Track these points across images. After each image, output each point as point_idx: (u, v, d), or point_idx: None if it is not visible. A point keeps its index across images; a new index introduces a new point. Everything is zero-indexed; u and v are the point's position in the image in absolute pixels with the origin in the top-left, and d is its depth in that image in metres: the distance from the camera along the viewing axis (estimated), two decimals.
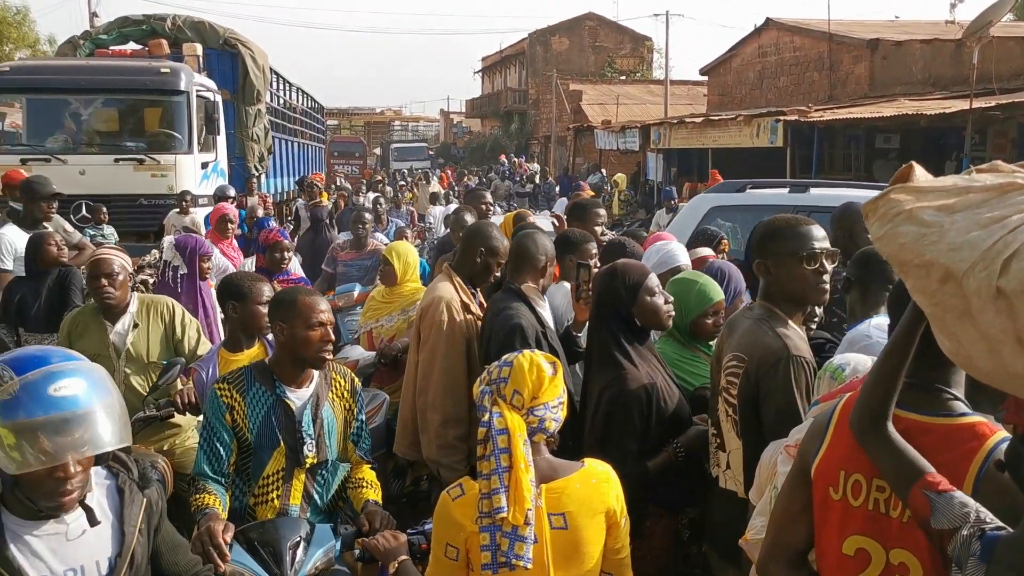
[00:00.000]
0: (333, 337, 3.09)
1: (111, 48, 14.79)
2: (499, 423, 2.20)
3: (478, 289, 4.16)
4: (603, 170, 28.41)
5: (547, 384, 2.26)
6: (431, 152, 51.76)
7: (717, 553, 2.85)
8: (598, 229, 5.22)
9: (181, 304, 4.88)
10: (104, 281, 4.13)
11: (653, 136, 22.02)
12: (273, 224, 6.62)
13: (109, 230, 10.64)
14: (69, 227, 7.20)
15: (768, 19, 25.72)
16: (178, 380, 4.09)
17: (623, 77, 47.63)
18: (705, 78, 31.27)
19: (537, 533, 2.21)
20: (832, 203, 5.74)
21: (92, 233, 10.16)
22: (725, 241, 5.36)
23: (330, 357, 3.10)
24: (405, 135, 67.10)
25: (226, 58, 15.25)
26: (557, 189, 25.94)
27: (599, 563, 2.32)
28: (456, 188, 25.82)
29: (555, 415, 2.28)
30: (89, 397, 2.01)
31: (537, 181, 29.03)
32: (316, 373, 3.19)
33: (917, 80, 20.40)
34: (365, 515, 3.00)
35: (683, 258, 4.47)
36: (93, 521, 2.09)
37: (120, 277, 4.18)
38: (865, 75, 21.60)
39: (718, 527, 2.80)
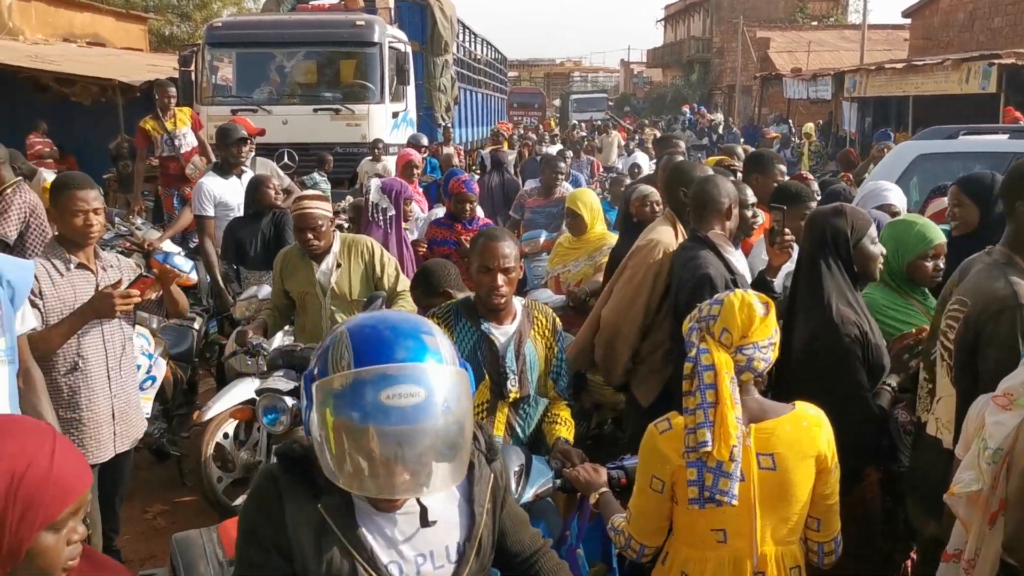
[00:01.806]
0: (499, 283, 3.10)
1: (311, 3, 15.45)
2: (705, 359, 2.20)
3: None
4: (791, 120, 27.23)
5: (757, 323, 2.23)
6: (611, 103, 51.26)
7: (917, 505, 2.73)
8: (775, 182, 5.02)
9: (390, 243, 5.18)
10: (309, 235, 4.39)
11: (848, 84, 20.85)
12: (464, 176, 6.78)
13: (323, 177, 11.22)
14: (281, 172, 7.66)
15: None
16: None
17: (815, 23, 45.20)
18: (907, 21, 29.16)
19: (744, 472, 2.20)
20: None
21: (316, 179, 10.78)
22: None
23: (502, 300, 3.14)
24: (584, 86, 66.71)
25: (416, 10, 15.63)
26: (742, 140, 25.09)
27: (806, 507, 2.29)
28: (638, 137, 25.47)
29: (764, 355, 2.25)
30: (428, 412, 1.64)
31: (720, 131, 28.20)
32: (519, 310, 3.28)
33: None
34: (558, 451, 3.07)
35: (895, 199, 4.26)
36: (425, 522, 1.81)
37: (323, 228, 4.42)
38: None
39: (921, 477, 2.67)
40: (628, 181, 9.01)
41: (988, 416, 2.29)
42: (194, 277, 6.78)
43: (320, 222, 4.41)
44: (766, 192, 4.78)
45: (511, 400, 3.19)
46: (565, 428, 3.25)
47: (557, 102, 54.94)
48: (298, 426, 4.00)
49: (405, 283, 4.57)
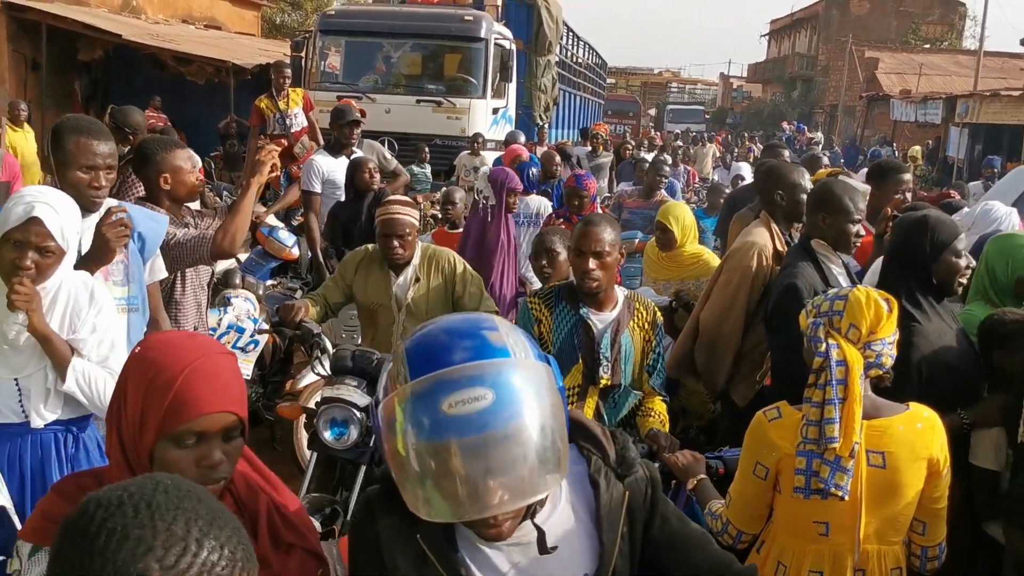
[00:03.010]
0: (591, 266, 3.16)
1: None
2: (837, 355, 2.18)
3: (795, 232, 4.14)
4: (894, 144, 26.50)
5: (884, 320, 2.21)
6: (707, 115, 50.68)
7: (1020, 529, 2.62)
8: (899, 197, 4.85)
9: (490, 233, 5.15)
10: (395, 242, 3.99)
11: (960, 109, 20.19)
12: (580, 171, 6.91)
13: (427, 169, 11.43)
14: (388, 154, 7.82)
15: None
16: None
17: (927, 45, 43.89)
18: None
19: (853, 468, 2.18)
20: None
21: (416, 172, 11.00)
22: None
23: (594, 284, 3.19)
24: (681, 97, 66.16)
25: (523, 8, 15.76)
26: (842, 161, 24.52)
27: (913, 508, 2.25)
28: (736, 151, 25.14)
29: (891, 351, 2.24)
30: (502, 415, 1.42)
31: (819, 152, 27.59)
32: (620, 300, 3.31)
33: None
34: (649, 437, 3.08)
35: (1008, 223, 4.11)
36: (544, 549, 1.56)
37: (409, 237, 4.03)
38: None
39: None
40: (728, 191, 8.97)
41: None
42: (296, 252, 7.00)
43: (408, 230, 4.02)
44: (881, 205, 4.63)
45: (602, 387, 3.22)
46: (658, 421, 3.26)
47: (652, 111, 54.57)
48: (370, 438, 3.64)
49: (490, 304, 4.22)
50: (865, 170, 15.73)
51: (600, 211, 6.81)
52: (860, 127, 30.79)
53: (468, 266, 4.28)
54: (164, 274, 3.46)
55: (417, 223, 4.13)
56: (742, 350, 3.84)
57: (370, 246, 4.26)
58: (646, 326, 3.33)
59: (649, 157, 16.01)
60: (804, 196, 3.96)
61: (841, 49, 40.70)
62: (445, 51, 13.24)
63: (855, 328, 2.22)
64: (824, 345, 2.22)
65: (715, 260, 5.00)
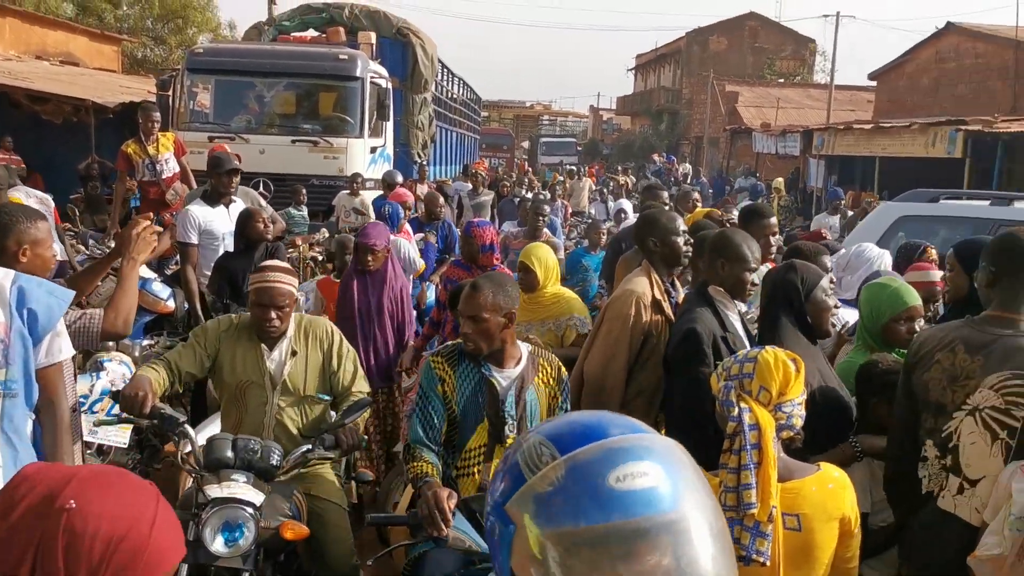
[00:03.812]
0: (466, 329, 3.19)
1: (292, 34, 15.48)
2: (750, 419, 2.19)
3: (676, 278, 4.20)
4: (758, 174, 27.71)
5: (793, 380, 2.24)
6: (579, 148, 51.79)
7: (920, 572, 2.71)
8: (767, 240, 5.02)
9: (347, 296, 4.95)
10: (273, 314, 3.60)
11: (816, 141, 21.30)
12: (478, 219, 6.89)
13: (303, 211, 11.16)
14: (263, 201, 7.59)
15: (949, 23, 24.43)
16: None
17: (781, 80, 46.29)
18: (871, 83, 30.02)
19: (772, 532, 2.18)
20: None
21: (293, 214, 10.71)
22: (931, 248, 4.96)
23: (469, 346, 3.21)
24: (553, 130, 67.39)
25: (398, 47, 15.73)
26: (710, 191, 25.46)
27: (828, 569, 2.27)
28: (611, 184, 25.72)
29: (801, 412, 2.26)
30: (676, 495, 1.17)
31: (688, 183, 28.58)
32: (524, 356, 3.28)
33: None
34: None
35: (880, 263, 4.31)
36: None
37: (287, 308, 3.67)
38: None
39: (939, 552, 2.65)
40: (606, 227, 9.10)
41: (1015, 483, 2.31)
42: (171, 304, 6.67)
43: (287, 300, 3.65)
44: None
45: (508, 445, 3.17)
46: None
47: (526, 143, 55.36)
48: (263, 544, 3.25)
49: (363, 384, 3.85)
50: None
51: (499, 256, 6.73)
52: (725, 158, 32.10)
53: (344, 338, 3.90)
54: (66, 355, 3.01)
55: (296, 291, 3.78)
56: (626, 398, 3.89)
57: (234, 316, 3.86)
58: (551, 381, 3.32)
59: (530, 195, 16.26)
60: (678, 240, 4.08)
61: (703, 83, 42.41)
62: (320, 90, 13.04)
63: (765, 391, 2.23)
64: (737, 409, 2.22)
65: (575, 300, 5.03)
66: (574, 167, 30.93)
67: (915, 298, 3.45)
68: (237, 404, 3.71)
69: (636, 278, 4.06)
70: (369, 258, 5.42)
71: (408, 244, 7.56)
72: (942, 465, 2.68)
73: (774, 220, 4.82)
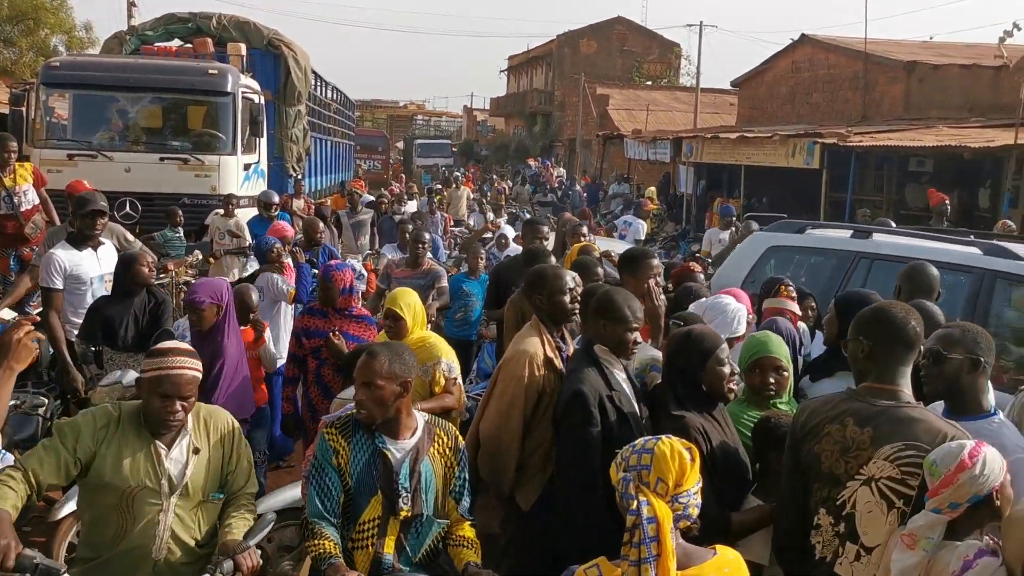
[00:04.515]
0: (361, 397, 3.18)
1: (156, 44, 14.89)
2: (648, 512, 2.26)
3: (565, 330, 4.28)
4: (631, 178, 28.40)
5: (689, 471, 2.33)
6: (454, 149, 51.83)
7: None
8: (651, 282, 5.14)
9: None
10: (179, 405, 3.14)
11: (685, 149, 22.00)
12: (334, 261, 6.70)
13: (180, 232, 10.73)
14: (130, 236, 7.28)
15: (803, 35, 25.67)
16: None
17: (650, 83, 47.60)
18: (734, 88, 31.22)
19: None
20: (895, 252, 5.78)
21: (169, 236, 10.29)
22: (785, 286, 5.09)
23: (362, 414, 3.21)
24: (427, 130, 67.18)
25: (269, 59, 15.36)
26: (585, 197, 25.92)
27: None
28: (486, 191, 25.86)
29: (697, 501, 2.35)
30: None
31: (563, 187, 29.05)
32: (420, 426, 3.27)
33: (954, 105, 20.32)
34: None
35: (742, 327, 4.50)
36: None
37: (193, 398, 3.21)
38: (900, 97, 21.55)
39: None
40: (483, 250, 9.10)
41: (894, 552, 2.48)
42: (35, 351, 6.32)
43: (192, 390, 3.18)
44: (638, 292, 4.95)
45: (403, 518, 3.17)
46: (472, 551, 3.24)
47: (400, 144, 55.03)
48: None
49: (254, 482, 3.47)
50: (637, 222, 16.46)
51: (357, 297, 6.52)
52: (599, 162, 32.76)
53: (242, 433, 3.48)
54: None
55: (200, 373, 3.25)
56: (523, 455, 3.94)
57: (110, 405, 3.28)
58: (447, 451, 3.32)
59: (410, 206, 16.14)
60: (564, 298, 4.10)
61: (575, 86, 43.13)
62: (188, 105, 12.61)
63: (663, 482, 2.32)
64: (636, 502, 2.29)
65: (441, 344, 4.95)
66: (450, 170, 30.96)
67: (764, 349, 3.63)
68: (121, 513, 3.11)
69: (527, 337, 4.10)
70: (194, 317, 4.96)
71: (277, 277, 7.39)
72: (835, 532, 2.82)
73: (656, 261, 4.95)
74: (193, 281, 9.15)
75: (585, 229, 8.23)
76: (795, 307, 4.91)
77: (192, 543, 3.21)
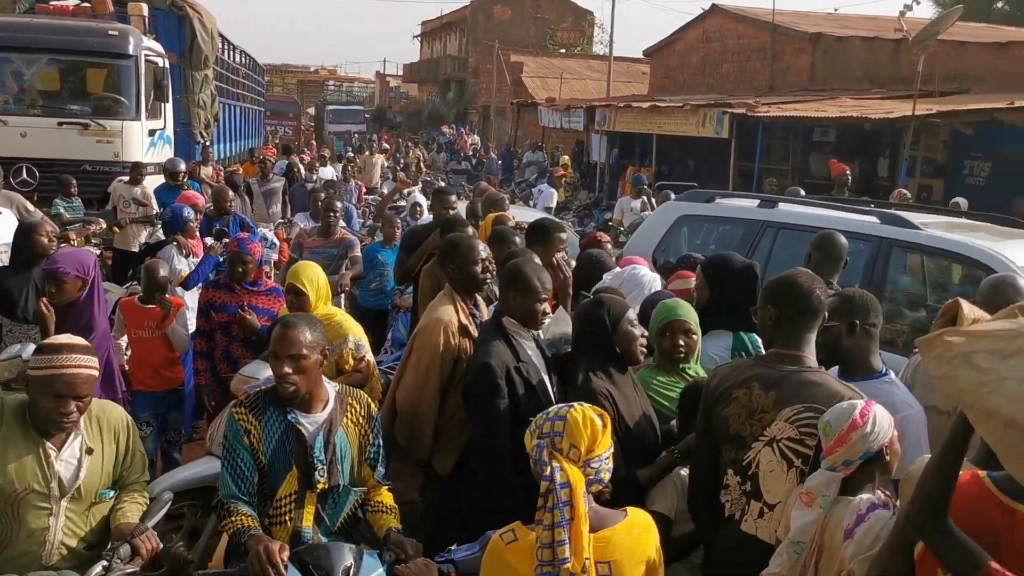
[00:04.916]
0: (286, 371, 3.08)
1: (51, 3, 14.21)
2: (561, 477, 2.32)
3: (478, 298, 4.35)
4: (543, 145, 28.50)
5: (600, 436, 2.40)
6: (367, 116, 51.10)
7: None
8: (559, 255, 5.22)
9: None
10: (73, 406, 2.94)
11: (598, 117, 22.17)
12: (242, 234, 6.35)
13: (75, 202, 10.28)
14: (30, 206, 7.01)
15: (714, 5, 26.03)
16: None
17: (563, 51, 47.69)
18: (646, 58, 31.50)
19: None
20: (801, 221, 5.97)
21: (64, 206, 9.85)
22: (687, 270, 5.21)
23: (290, 389, 3.10)
24: (339, 96, 66.14)
25: (173, 20, 14.86)
26: (499, 165, 25.93)
27: None
28: (400, 158, 25.61)
29: (608, 465, 2.42)
30: None
31: (478, 155, 28.99)
32: (332, 398, 3.27)
33: (856, 76, 20.95)
34: (394, 544, 3.08)
35: (650, 289, 4.62)
36: None
37: (89, 397, 3.02)
38: (806, 68, 22.11)
39: (739, 570, 2.94)
40: (398, 219, 9.04)
41: (793, 510, 2.61)
42: None
43: (89, 387, 3.00)
44: (547, 261, 5.03)
45: (319, 491, 3.18)
46: (392, 516, 3.27)
47: (312, 111, 53.97)
48: None
49: (146, 471, 3.34)
50: (549, 189, 16.52)
51: (272, 268, 6.36)
52: (513, 130, 32.75)
53: (135, 427, 3.31)
54: None
55: (96, 372, 3.06)
56: (439, 422, 3.99)
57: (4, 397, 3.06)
58: (361, 420, 3.32)
59: (324, 172, 15.89)
60: (476, 268, 4.20)
61: (489, 53, 42.91)
62: (88, 68, 12.10)
63: (575, 448, 2.38)
64: (549, 468, 2.35)
65: (348, 321, 4.89)
66: (364, 137, 30.56)
67: (674, 312, 3.72)
68: (6, 519, 2.91)
69: (441, 306, 4.15)
70: (52, 288, 4.59)
71: (174, 252, 7.19)
72: (742, 491, 2.96)
73: (565, 235, 5.04)
74: (97, 252, 8.88)
75: (505, 198, 8.28)
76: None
77: (84, 546, 3.06)
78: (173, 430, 5.71)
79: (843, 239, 4.75)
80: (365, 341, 4.84)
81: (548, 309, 3.84)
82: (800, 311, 2.98)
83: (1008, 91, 15.16)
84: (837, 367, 3.30)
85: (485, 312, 4.39)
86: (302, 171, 13.21)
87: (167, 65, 12.80)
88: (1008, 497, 2.00)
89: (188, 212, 7.56)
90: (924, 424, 3.17)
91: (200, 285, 6.71)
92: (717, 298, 4.08)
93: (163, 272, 5.70)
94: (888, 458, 2.67)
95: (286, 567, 2.79)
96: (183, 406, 5.77)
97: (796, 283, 3.02)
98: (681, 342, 3.69)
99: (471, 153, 30.34)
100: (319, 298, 4.74)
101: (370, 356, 4.89)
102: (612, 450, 2.46)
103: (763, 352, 3.29)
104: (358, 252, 7.92)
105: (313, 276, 4.76)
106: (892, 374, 3.35)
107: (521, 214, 8.54)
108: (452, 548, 3.01)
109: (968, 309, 2.25)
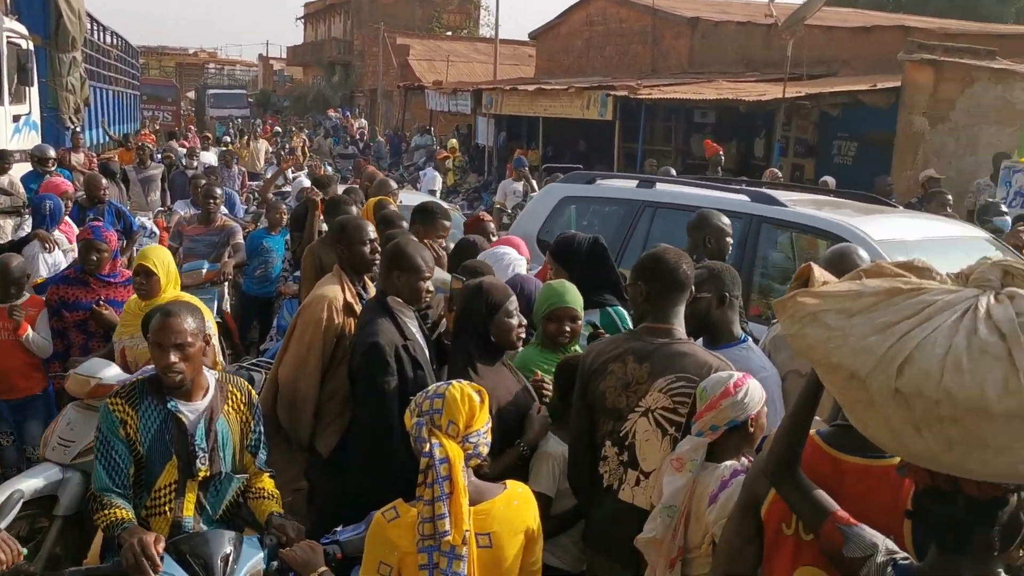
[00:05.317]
0: (171, 360, 3.01)
1: None
2: (440, 452, 2.37)
3: (367, 280, 4.36)
4: (432, 129, 28.38)
5: (478, 412, 2.46)
6: (250, 100, 49.75)
7: (618, 563, 3.13)
8: (440, 241, 5.29)
9: None
10: None
11: (485, 100, 22.23)
12: (96, 222, 5.84)
13: None
14: None
15: None
16: None
17: (449, 33, 47.48)
18: (532, 40, 31.71)
19: (468, 553, 2.41)
20: (676, 200, 6.18)
21: None
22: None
23: (177, 378, 3.04)
24: (221, 80, 64.09)
25: (36, 0, 14.12)
26: (388, 148, 25.71)
27: (516, 575, 2.56)
28: (284, 143, 25.06)
29: (486, 440, 2.49)
30: None
31: (365, 139, 28.64)
32: (212, 385, 3.23)
33: (732, 60, 21.64)
34: (275, 528, 3.08)
35: (512, 271, 4.72)
36: None
37: None
38: (685, 51, 22.70)
39: (619, 539, 3.07)
40: (283, 205, 8.88)
41: (665, 476, 2.74)
42: None
43: None
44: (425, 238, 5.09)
45: (200, 479, 3.15)
46: (274, 502, 3.26)
47: (192, 95, 52.20)
48: None
49: None
50: (433, 173, 16.44)
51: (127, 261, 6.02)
52: (401, 113, 32.47)
53: None
54: None
55: None
56: (320, 401, 3.98)
57: None
58: (242, 407, 3.30)
59: (205, 157, 15.39)
60: (364, 249, 4.23)
61: (375, 35, 42.29)
62: None
63: (454, 424, 2.43)
64: (428, 445, 2.40)
65: (202, 304, 4.53)
66: (247, 122, 29.76)
67: (561, 299, 3.77)
68: None
69: (327, 284, 4.15)
70: None
71: (38, 249, 6.83)
72: (620, 461, 3.08)
73: (448, 223, 5.12)
74: None
75: (394, 184, 8.29)
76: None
77: None
78: (30, 443, 5.17)
79: (725, 218, 4.87)
80: (213, 325, 4.60)
81: (432, 287, 3.90)
82: (668, 286, 3.11)
83: (872, 74, 15.96)
84: (702, 337, 3.47)
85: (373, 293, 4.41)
86: (180, 156, 12.77)
87: (31, 47, 12.19)
88: (834, 450, 2.18)
89: (52, 202, 7.12)
90: (779, 385, 3.37)
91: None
92: (574, 279, 4.16)
93: (13, 264, 5.19)
94: (752, 430, 2.82)
95: (162, 558, 2.75)
96: (40, 417, 5.24)
97: (663, 259, 3.15)
98: (567, 328, 3.76)
99: (359, 137, 29.94)
100: (169, 281, 4.62)
101: (216, 342, 4.77)
102: (490, 425, 2.53)
103: (631, 325, 3.42)
104: (240, 239, 7.77)
105: (163, 258, 4.65)
106: (751, 340, 3.56)
107: (408, 198, 8.54)
108: (338, 529, 3.03)
109: (819, 273, 2.40)
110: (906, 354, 1.67)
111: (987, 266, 1.82)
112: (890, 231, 5.35)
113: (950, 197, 9.25)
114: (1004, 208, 8.51)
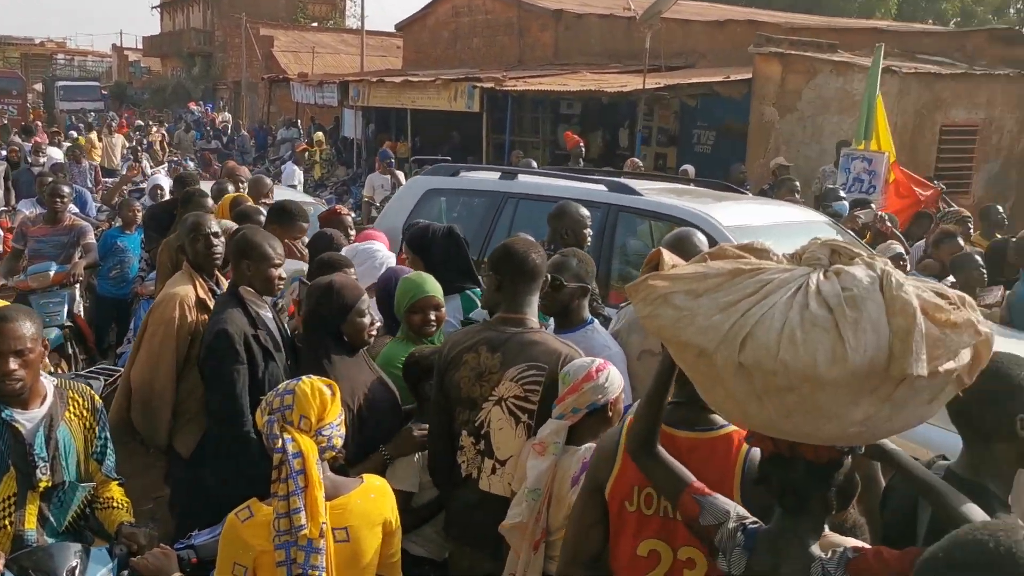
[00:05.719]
0: (11, 367, 2.86)
1: None
2: (293, 447, 2.37)
3: (220, 275, 4.33)
4: (299, 122, 27.78)
5: (330, 405, 2.47)
6: (104, 92, 47.43)
7: (479, 551, 3.18)
8: (297, 243, 5.23)
9: None
10: None
11: (352, 93, 21.90)
12: None
13: None
14: None
15: None
16: None
17: (315, 24, 46.55)
18: (399, 32, 31.43)
19: (325, 547, 2.41)
20: (537, 191, 6.29)
21: None
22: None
23: (17, 385, 2.89)
24: (71, 71, 60.95)
25: None
26: (252, 143, 25.05)
27: (375, 568, 2.58)
28: (142, 137, 24.06)
29: (340, 432, 2.50)
30: None
31: (229, 133, 27.80)
32: (50, 392, 3.11)
33: (595, 52, 22.07)
34: (125, 536, 3.00)
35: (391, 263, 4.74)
36: None
37: None
38: (551, 43, 22.98)
39: (479, 527, 3.13)
40: (137, 203, 8.56)
41: (528, 460, 2.82)
42: None
43: None
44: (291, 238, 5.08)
45: (41, 490, 3.02)
46: (124, 511, 3.18)
47: (39, 87, 49.36)
48: None
49: None
50: (292, 167, 16.12)
51: None
52: (265, 106, 31.62)
53: None
54: None
55: None
56: (177, 401, 3.93)
57: None
58: (85, 413, 3.18)
59: (52, 153, 14.60)
60: (201, 242, 4.20)
61: (237, 26, 41.01)
62: None
63: (306, 419, 2.44)
64: (280, 441, 2.40)
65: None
66: (102, 115, 28.39)
67: (421, 290, 3.80)
68: None
69: (178, 282, 4.11)
70: None
71: None
72: (477, 451, 3.14)
73: (306, 225, 5.12)
74: None
75: (269, 181, 8.21)
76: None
77: None
78: None
79: (583, 209, 5.00)
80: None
81: (284, 275, 3.88)
82: (518, 276, 3.19)
83: (727, 66, 16.59)
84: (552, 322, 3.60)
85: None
86: (25, 152, 12.09)
87: None
88: (669, 427, 2.31)
89: None
90: (624, 363, 3.52)
91: None
92: (432, 268, 4.23)
93: None
94: (611, 415, 2.94)
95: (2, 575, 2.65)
96: None
97: (513, 250, 3.23)
98: (432, 316, 3.80)
99: (222, 130, 29.03)
100: None
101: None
102: (343, 417, 2.54)
103: None
104: (92, 239, 7.46)
105: None
106: (596, 323, 3.72)
107: (278, 193, 8.44)
108: (193, 534, 2.98)
109: (668, 257, 2.52)
110: (747, 330, 1.78)
111: (817, 246, 1.96)
112: (738, 217, 5.61)
113: (798, 184, 9.75)
114: (842, 193, 9.02)
